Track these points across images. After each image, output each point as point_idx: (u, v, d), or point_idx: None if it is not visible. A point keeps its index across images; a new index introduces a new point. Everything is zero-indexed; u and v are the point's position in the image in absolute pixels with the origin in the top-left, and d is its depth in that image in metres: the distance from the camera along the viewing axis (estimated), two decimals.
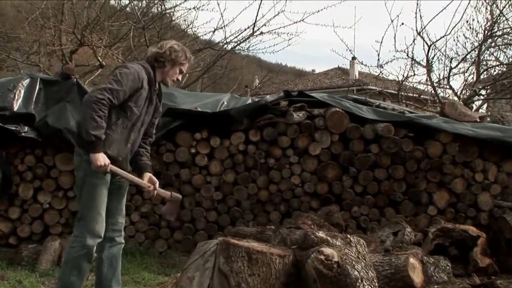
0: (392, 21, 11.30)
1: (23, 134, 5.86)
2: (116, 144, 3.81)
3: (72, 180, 5.98)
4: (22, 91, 6.09)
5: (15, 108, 5.94)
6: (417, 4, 11.18)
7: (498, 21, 12.15)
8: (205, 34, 13.76)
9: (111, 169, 3.72)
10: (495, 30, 12.23)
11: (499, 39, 12.69)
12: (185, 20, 14.14)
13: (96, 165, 3.62)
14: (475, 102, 12.90)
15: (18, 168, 6.02)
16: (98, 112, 3.57)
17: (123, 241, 4.13)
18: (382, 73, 12.38)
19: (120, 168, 3.84)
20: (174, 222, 6.15)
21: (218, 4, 13.22)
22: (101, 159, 3.63)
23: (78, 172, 3.85)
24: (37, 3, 12.71)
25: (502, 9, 11.99)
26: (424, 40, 11.48)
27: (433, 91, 12.24)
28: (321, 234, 3.89)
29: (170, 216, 4.18)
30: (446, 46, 14.23)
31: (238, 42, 11.92)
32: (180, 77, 4.15)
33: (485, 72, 12.92)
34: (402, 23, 11.76)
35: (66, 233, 5.98)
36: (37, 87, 6.18)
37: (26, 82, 6.18)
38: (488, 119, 7.82)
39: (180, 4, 13.21)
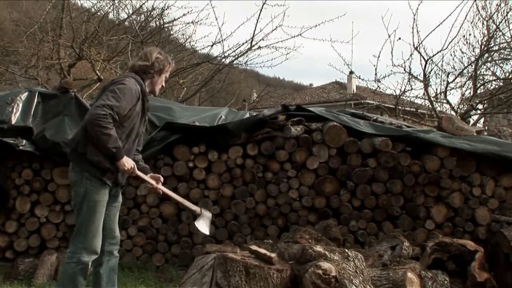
0: (389, 36, 11.35)
1: (21, 147, 5.87)
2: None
3: (69, 194, 5.99)
4: (20, 105, 6.11)
5: (13, 121, 5.96)
6: (414, 19, 11.20)
7: (495, 36, 12.24)
8: (203, 48, 13.84)
9: (136, 173, 3.88)
10: (492, 45, 12.31)
11: (495, 54, 12.78)
12: (183, 34, 14.21)
13: (124, 170, 3.78)
14: (472, 117, 12.96)
15: (16, 182, 6.01)
16: (106, 128, 3.62)
17: (118, 254, 4.15)
18: (380, 88, 12.43)
19: (116, 181, 3.93)
20: (171, 236, 6.15)
21: (216, 19, 13.24)
22: (127, 163, 3.79)
23: (77, 188, 3.83)
24: (35, 17, 12.75)
25: (499, 24, 12.08)
26: (421, 54, 11.56)
27: (430, 106, 12.29)
28: (318, 248, 3.90)
29: (203, 231, 4.26)
30: (443, 60, 14.31)
31: (236, 56, 11.96)
32: (164, 84, 4.27)
33: (482, 87, 12.98)
34: (399, 38, 11.78)
35: (63, 247, 5.96)
36: (35, 101, 6.21)
37: (24, 95, 6.21)
38: (485, 134, 7.85)
39: (179, 18, 13.22)
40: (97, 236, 3.82)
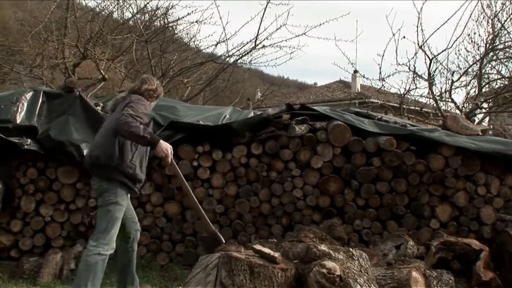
0: (393, 35, 11.38)
1: (26, 146, 5.89)
2: (139, 170, 4.32)
3: (74, 193, 6.04)
4: (25, 104, 6.13)
5: (18, 121, 5.98)
6: (419, 18, 11.18)
7: (500, 34, 12.18)
8: (207, 47, 13.73)
9: (170, 160, 4.17)
10: (497, 43, 12.26)
11: (500, 52, 12.71)
12: (187, 34, 14.18)
13: (162, 155, 4.10)
14: (477, 115, 12.92)
15: (21, 181, 6.03)
16: (132, 122, 3.99)
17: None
18: (384, 86, 12.42)
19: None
20: (176, 235, 6.15)
21: (221, 18, 13.18)
22: (165, 148, 4.11)
23: (108, 194, 4.21)
24: (40, 16, 12.76)
25: (504, 23, 12.04)
26: (425, 53, 11.53)
27: (435, 105, 12.26)
28: (323, 247, 3.89)
29: (203, 249, 4.47)
30: (447, 59, 14.18)
31: (240, 55, 11.93)
32: None
33: (486, 86, 12.92)
34: (404, 37, 11.78)
35: (67, 246, 5.98)
36: (40, 100, 6.23)
37: (29, 95, 6.23)
38: (490, 133, 7.83)
39: (183, 17, 13.19)
40: (116, 234, 4.25)
